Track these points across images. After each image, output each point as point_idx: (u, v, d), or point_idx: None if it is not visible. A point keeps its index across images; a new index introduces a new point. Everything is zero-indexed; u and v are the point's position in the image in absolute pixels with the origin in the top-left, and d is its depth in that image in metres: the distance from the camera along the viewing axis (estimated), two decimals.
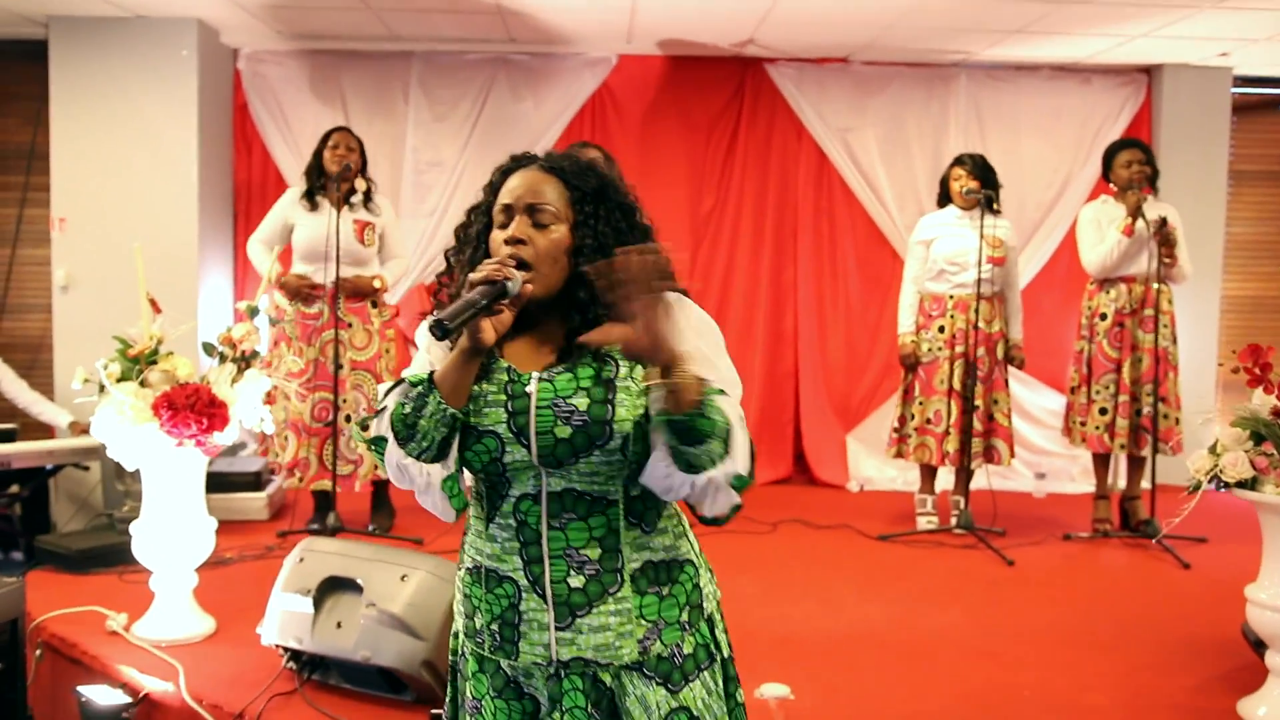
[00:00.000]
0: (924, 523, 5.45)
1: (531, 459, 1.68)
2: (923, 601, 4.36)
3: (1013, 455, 5.44)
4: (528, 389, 1.69)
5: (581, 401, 1.67)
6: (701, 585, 1.81)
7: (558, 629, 1.70)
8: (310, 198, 5.00)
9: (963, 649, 3.81)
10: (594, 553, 1.70)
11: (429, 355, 1.79)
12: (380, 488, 5.20)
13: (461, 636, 1.83)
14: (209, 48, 6.10)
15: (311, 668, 3.28)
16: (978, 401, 5.26)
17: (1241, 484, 3.12)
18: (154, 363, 3.53)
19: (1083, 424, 5.43)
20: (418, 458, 1.66)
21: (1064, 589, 4.62)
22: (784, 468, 6.79)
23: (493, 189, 1.81)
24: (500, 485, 1.72)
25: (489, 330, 1.63)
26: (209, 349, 3.67)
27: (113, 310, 4.45)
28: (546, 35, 6.09)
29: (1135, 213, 5.16)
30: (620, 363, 1.71)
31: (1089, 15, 5.46)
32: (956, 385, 5.29)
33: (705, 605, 1.81)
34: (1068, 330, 6.43)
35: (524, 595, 1.70)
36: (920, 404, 5.37)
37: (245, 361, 3.65)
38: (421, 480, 1.68)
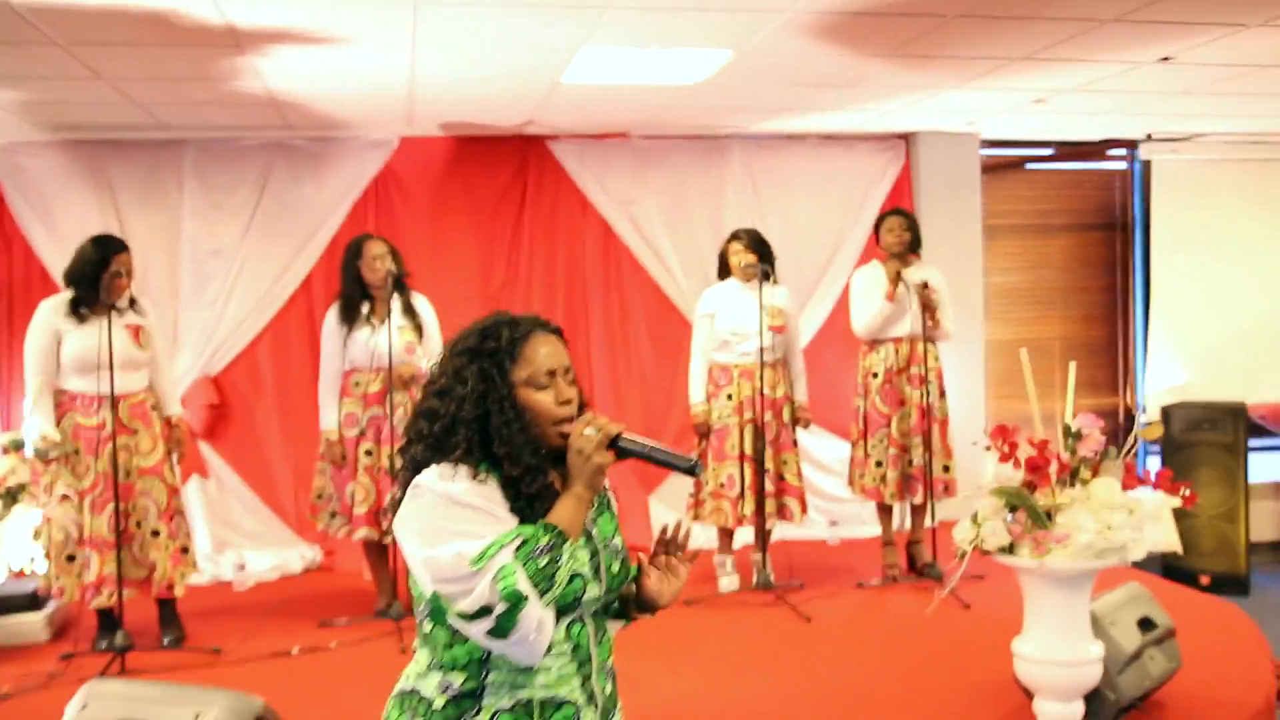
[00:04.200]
0: (725, 584, 5.62)
1: (601, 593, 1.91)
2: (724, 670, 4.51)
3: (804, 512, 5.68)
4: (591, 531, 1.93)
5: (619, 540, 1.99)
6: None
7: None
8: (76, 309, 4.74)
9: None
10: (612, 658, 2.00)
11: (489, 508, 1.82)
12: (165, 601, 4.97)
13: None
14: None
15: None
16: (768, 464, 5.49)
17: (1001, 550, 3.39)
18: None
19: (862, 476, 5.79)
20: (548, 606, 1.77)
21: (857, 642, 4.87)
22: None
23: (505, 349, 1.90)
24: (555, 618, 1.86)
25: (603, 477, 1.88)
26: None
27: None
28: (324, 121, 6.03)
29: (895, 279, 5.55)
30: (612, 500, 2.05)
31: (847, 97, 5.82)
32: (748, 450, 5.50)
33: None
34: (849, 383, 6.76)
35: (582, 713, 1.89)
36: (714, 470, 5.54)
37: (12, 497, 3.47)
38: (549, 628, 1.78)
